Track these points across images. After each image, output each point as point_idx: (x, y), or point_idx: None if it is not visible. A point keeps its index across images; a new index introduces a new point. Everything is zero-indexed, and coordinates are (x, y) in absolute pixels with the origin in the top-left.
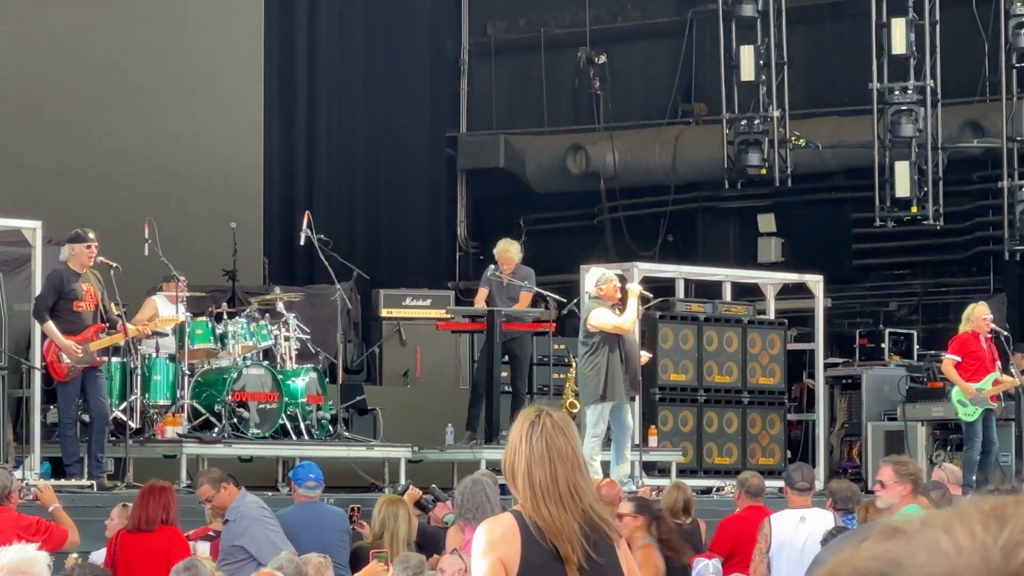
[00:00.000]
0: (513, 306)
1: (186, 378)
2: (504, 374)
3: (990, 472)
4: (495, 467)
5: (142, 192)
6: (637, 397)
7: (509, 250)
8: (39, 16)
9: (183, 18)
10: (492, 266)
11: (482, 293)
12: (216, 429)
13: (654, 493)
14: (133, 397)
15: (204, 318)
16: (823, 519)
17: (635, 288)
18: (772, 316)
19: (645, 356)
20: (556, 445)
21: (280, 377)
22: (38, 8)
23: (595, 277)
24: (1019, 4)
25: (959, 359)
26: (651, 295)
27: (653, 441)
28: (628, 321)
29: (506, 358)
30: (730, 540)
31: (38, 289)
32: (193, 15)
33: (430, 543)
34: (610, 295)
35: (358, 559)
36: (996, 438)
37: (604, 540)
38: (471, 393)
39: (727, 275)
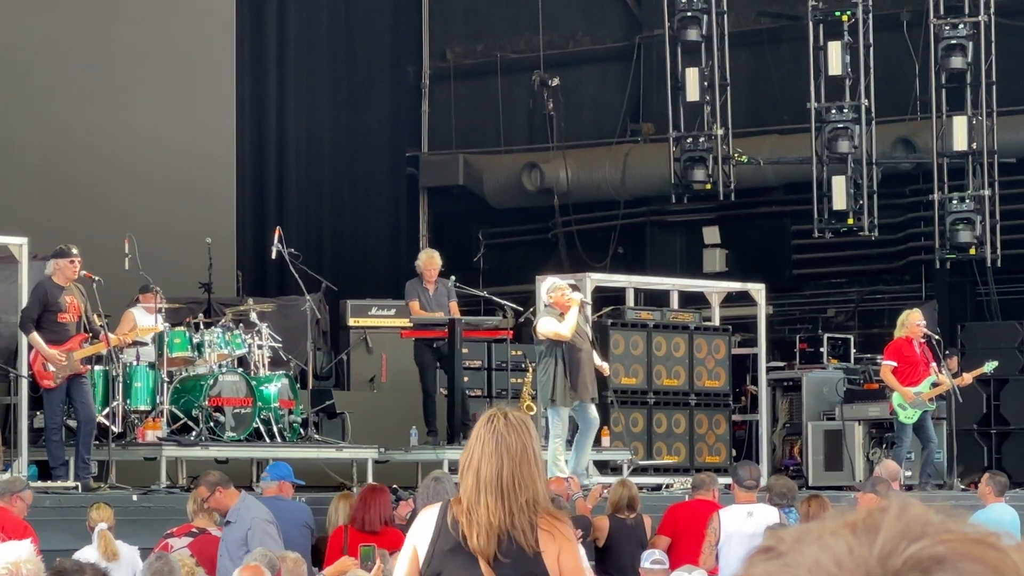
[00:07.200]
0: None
1: (165, 384)
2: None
3: (930, 468)
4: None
5: (122, 210)
6: (594, 400)
7: (434, 259)
8: (12, 25)
9: (155, 39)
10: (416, 279)
11: (415, 306)
12: (194, 433)
13: (606, 491)
14: (115, 403)
15: (182, 328)
16: (768, 513)
17: (575, 297)
18: (717, 323)
19: (603, 367)
20: (507, 443)
21: (254, 383)
22: (13, 14)
23: (547, 286)
24: (947, 28)
25: (896, 364)
26: (589, 302)
27: (606, 441)
28: (565, 328)
29: (439, 363)
30: (672, 522)
31: (24, 302)
32: (165, 38)
33: None
34: (559, 303)
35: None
36: (934, 436)
37: (517, 545)
38: (423, 399)
39: (674, 284)
